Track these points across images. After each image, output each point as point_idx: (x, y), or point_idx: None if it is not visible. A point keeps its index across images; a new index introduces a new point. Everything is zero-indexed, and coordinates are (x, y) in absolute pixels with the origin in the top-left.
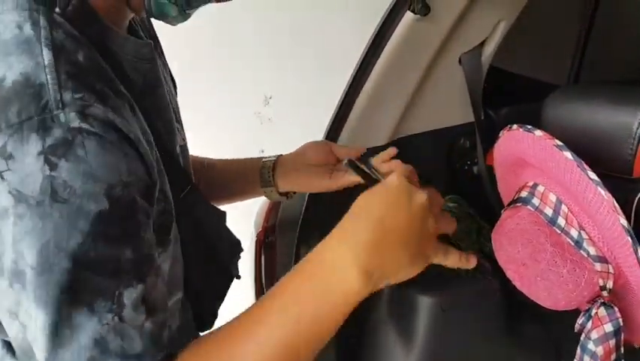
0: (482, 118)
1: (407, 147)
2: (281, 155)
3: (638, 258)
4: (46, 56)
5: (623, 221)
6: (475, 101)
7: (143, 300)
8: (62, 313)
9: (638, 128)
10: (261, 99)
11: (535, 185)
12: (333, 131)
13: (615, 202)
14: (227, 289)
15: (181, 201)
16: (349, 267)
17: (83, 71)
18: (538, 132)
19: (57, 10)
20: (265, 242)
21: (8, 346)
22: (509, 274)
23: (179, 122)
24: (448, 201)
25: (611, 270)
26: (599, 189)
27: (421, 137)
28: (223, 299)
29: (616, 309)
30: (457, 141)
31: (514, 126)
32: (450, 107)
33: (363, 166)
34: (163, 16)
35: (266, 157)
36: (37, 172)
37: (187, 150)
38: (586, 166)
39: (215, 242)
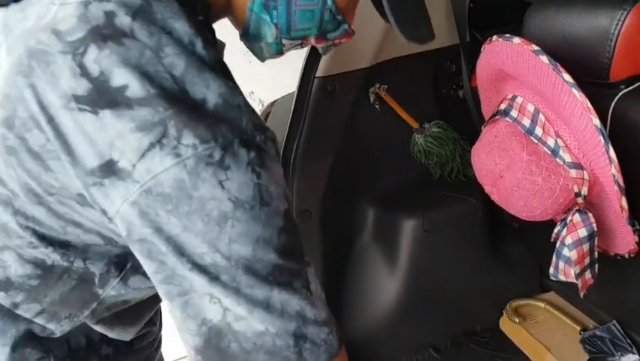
0: (467, 40)
1: (392, 71)
2: None
3: (609, 157)
4: (225, 79)
5: (596, 121)
6: (460, 23)
7: (315, 274)
8: (273, 292)
9: (614, 31)
10: None
11: (514, 97)
12: (314, 56)
13: (589, 103)
14: None
15: None
16: None
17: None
18: (516, 39)
19: (200, 17)
20: None
21: None
22: (487, 188)
23: None
24: (433, 126)
25: (586, 176)
26: (574, 90)
27: (406, 60)
28: None
29: (590, 215)
30: (443, 65)
31: (494, 37)
32: (435, 28)
33: None
34: (256, 38)
35: None
36: (250, 181)
37: None
38: (561, 69)
39: None
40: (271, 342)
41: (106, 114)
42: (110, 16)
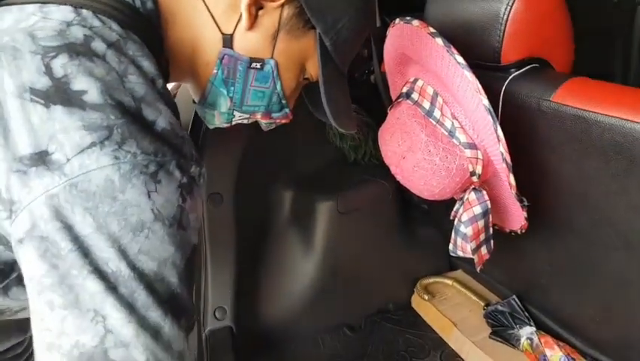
0: (378, 25)
1: None
2: None
3: (497, 135)
4: (174, 114)
5: (486, 101)
6: (371, 8)
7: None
8: (166, 320)
9: (504, 14)
10: None
11: (416, 80)
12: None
13: (479, 84)
14: None
15: None
16: None
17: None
18: (415, 22)
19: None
20: None
21: None
22: (392, 169)
23: None
24: None
25: (480, 155)
26: (465, 72)
27: None
28: None
29: (484, 193)
30: None
31: (397, 20)
32: None
33: None
34: (211, 107)
35: None
36: (175, 200)
37: None
38: (454, 50)
39: None
40: None
41: (57, 109)
42: (88, 39)
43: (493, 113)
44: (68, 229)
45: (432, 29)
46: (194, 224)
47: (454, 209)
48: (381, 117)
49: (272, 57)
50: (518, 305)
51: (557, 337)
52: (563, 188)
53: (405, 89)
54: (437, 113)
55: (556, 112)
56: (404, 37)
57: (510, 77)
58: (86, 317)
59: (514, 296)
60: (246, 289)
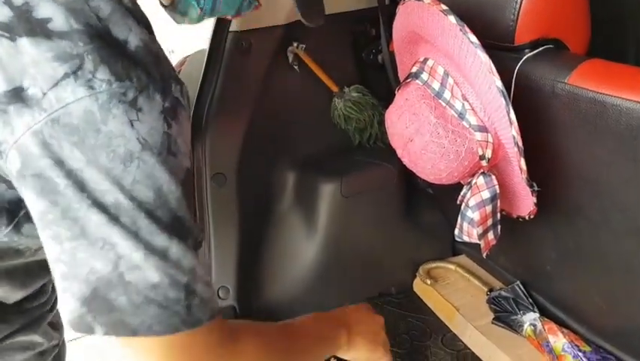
0: (387, 3)
1: (310, 31)
2: None
3: (510, 118)
4: (148, 30)
5: (499, 83)
6: None
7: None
8: (172, 241)
9: None
10: None
11: (426, 59)
12: None
13: (492, 65)
14: None
15: None
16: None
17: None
18: (427, 0)
19: None
20: None
21: None
22: (399, 152)
23: None
24: (352, 91)
25: (490, 139)
26: (478, 51)
27: (325, 20)
28: None
29: (493, 177)
30: (362, 28)
31: None
32: None
33: None
34: (181, 13)
35: None
36: (160, 127)
37: None
38: (467, 29)
39: None
40: (163, 295)
41: (23, 41)
42: None
43: (506, 96)
44: (60, 164)
45: (444, 7)
46: (183, 148)
47: (462, 193)
48: (388, 99)
49: None
50: (522, 291)
51: (561, 324)
52: (573, 173)
53: (414, 69)
54: (447, 94)
55: (571, 95)
56: (415, 14)
57: (524, 58)
58: (95, 246)
59: (518, 282)
60: (249, 270)
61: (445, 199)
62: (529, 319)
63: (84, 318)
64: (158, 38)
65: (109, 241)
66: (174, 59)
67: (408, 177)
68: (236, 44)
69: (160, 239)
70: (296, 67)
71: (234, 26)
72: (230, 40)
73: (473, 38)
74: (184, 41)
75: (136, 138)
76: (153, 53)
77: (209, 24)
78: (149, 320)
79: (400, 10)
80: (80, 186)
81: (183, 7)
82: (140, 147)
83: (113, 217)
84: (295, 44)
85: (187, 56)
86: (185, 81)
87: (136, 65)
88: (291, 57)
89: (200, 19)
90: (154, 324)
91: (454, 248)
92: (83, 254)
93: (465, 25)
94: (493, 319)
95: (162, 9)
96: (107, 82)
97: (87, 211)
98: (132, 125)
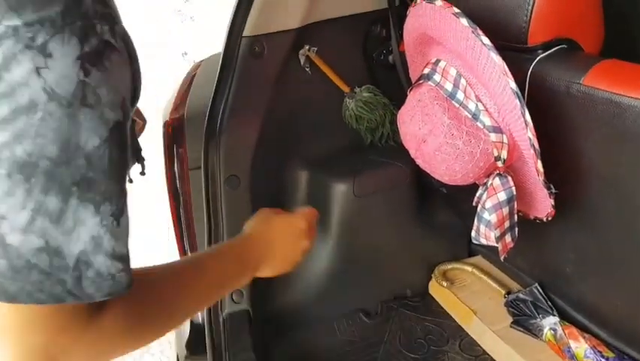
0: (396, 4)
1: (321, 33)
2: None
3: (525, 120)
4: None
5: (513, 85)
6: None
7: (128, 209)
8: (70, 204)
9: None
10: None
11: (438, 61)
12: (241, 15)
13: (506, 67)
14: None
15: None
16: (257, 268)
17: None
18: (439, 2)
19: None
20: (173, 132)
21: None
22: (412, 153)
23: None
24: (363, 91)
25: (505, 140)
26: (492, 53)
27: (336, 22)
28: None
29: (509, 178)
30: (373, 29)
31: (419, 0)
32: None
33: None
34: None
35: None
36: (74, 75)
37: None
38: (480, 32)
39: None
40: (47, 261)
41: None
42: None
43: (521, 97)
44: None
45: (456, 9)
46: (109, 99)
47: (477, 195)
48: (399, 98)
49: None
50: (541, 294)
51: (582, 328)
52: (592, 174)
53: (426, 71)
54: (460, 95)
55: (586, 96)
56: (426, 16)
57: (537, 59)
58: None
59: (536, 284)
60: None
61: (459, 199)
62: (549, 323)
63: None
64: (172, 41)
65: None
66: (187, 62)
67: (421, 177)
68: (249, 49)
69: (54, 200)
70: (307, 69)
71: (248, 31)
72: (243, 44)
73: (486, 40)
74: (197, 44)
75: (41, 87)
76: None
77: (222, 28)
78: (30, 286)
79: (412, 12)
80: None
81: None
82: (46, 97)
83: (7, 173)
84: (307, 47)
85: (201, 61)
86: (200, 85)
87: (51, 3)
88: (302, 59)
89: None
90: (34, 291)
91: (469, 248)
92: None
93: (477, 28)
94: (512, 322)
95: (170, 12)
96: (14, 28)
97: None
98: (39, 73)
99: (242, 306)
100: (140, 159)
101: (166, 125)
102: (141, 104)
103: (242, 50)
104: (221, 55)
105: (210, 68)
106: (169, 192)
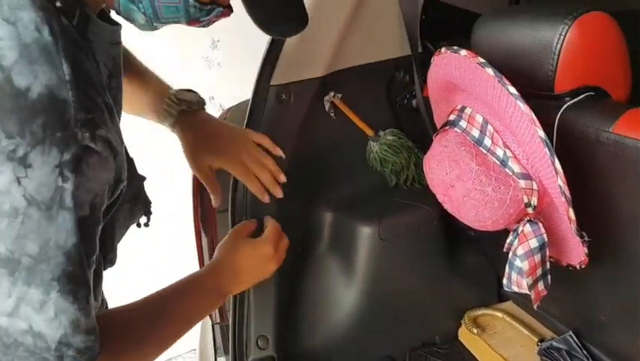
0: (419, 50)
1: (346, 80)
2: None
3: (555, 168)
4: (66, 70)
5: (541, 133)
6: (412, 33)
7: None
8: (51, 296)
9: (557, 44)
10: (208, 43)
11: (463, 108)
12: (269, 64)
13: (533, 115)
14: None
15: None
16: (225, 297)
17: (90, 86)
18: (463, 52)
19: (58, 3)
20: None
21: None
22: (440, 197)
23: None
24: (388, 134)
25: (535, 187)
26: (519, 102)
27: (359, 70)
28: None
29: (540, 225)
30: (396, 75)
31: (443, 49)
32: (387, 39)
33: None
34: (130, 21)
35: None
36: (52, 183)
37: None
38: (506, 81)
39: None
40: (32, 342)
41: None
42: None
43: (550, 145)
44: None
45: (481, 59)
46: (84, 198)
47: (508, 241)
48: (423, 142)
49: None
50: (576, 342)
51: None
52: (625, 222)
53: (452, 117)
54: (488, 142)
55: (617, 144)
56: (451, 65)
57: (564, 106)
58: None
59: (570, 332)
60: (287, 318)
61: (488, 242)
62: None
63: None
64: (197, 86)
65: None
66: (214, 106)
67: (447, 220)
68: (276, 97)
69: (37, 292)
70: (332, 114)
71: (275, 80)
72: (271, 92)
73: (512, 90)
74: (223, 89)
75: (22, 195)
76: (59, 101)
77: (250, 77)
78: (18, 360)
79: (436, 60)
80: None
81: (126, 13)
82: (25, 204)
83: None
84: (332, 93)
85: (230, 107)
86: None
87: (34, 116)
88: (327, 105)
89: (151, 26)
90: None
91: (499, 294)
92: None
93: (503, 77)
94: None
95: (199, 58)
96: None
97: None
98: (19, 182)
99: (267, 352)
100: (148, 213)
101: (195, 177)
102: (170, 146)
103: (269, 98)
104: (250, 102)
105: (239, 114)
106: (196, 234)
